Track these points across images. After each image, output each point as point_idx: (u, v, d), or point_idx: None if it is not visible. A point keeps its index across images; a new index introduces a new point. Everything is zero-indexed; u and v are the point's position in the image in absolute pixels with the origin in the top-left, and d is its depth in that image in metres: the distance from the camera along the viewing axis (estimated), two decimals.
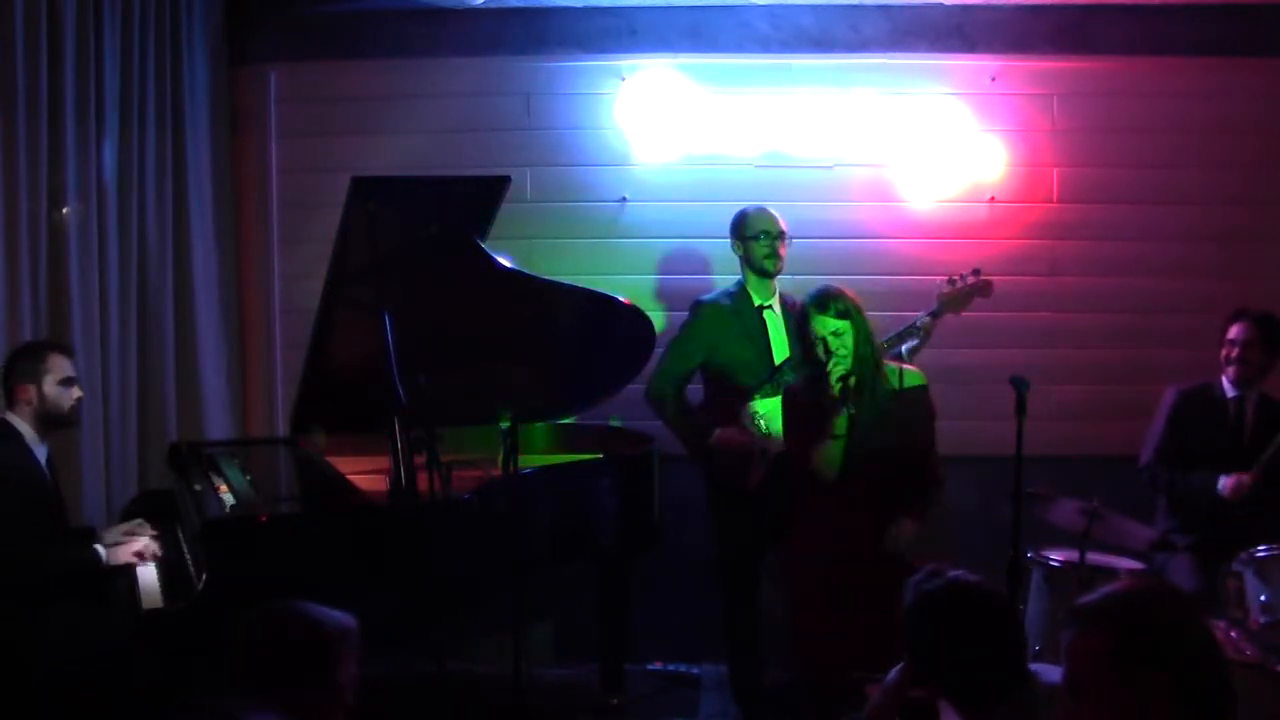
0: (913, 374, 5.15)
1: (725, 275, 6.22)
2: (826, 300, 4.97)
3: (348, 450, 5.49)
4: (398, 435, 4.75)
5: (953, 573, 3.28)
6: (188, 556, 4.88)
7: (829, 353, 4.93)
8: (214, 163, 6.58)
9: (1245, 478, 5.69)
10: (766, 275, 5.92)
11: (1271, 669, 4.74)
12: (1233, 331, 5.96)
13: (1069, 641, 2.68)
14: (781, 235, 5.89)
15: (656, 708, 6.23)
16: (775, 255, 5.88)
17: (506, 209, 5.25)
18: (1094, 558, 5.41)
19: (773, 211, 5.93)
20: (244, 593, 4.14)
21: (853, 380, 4.92)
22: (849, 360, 4.94)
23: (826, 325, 4.94)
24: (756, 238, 5.87)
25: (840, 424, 4.92)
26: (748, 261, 5.92)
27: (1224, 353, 5.99)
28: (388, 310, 4.87)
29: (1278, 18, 6.80)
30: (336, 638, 3.06)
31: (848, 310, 4.97)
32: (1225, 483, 5.76)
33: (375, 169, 6.06)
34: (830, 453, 4.95)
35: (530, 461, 5.42)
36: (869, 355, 5.01)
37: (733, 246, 5.95)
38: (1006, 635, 3.19)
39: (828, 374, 4.93)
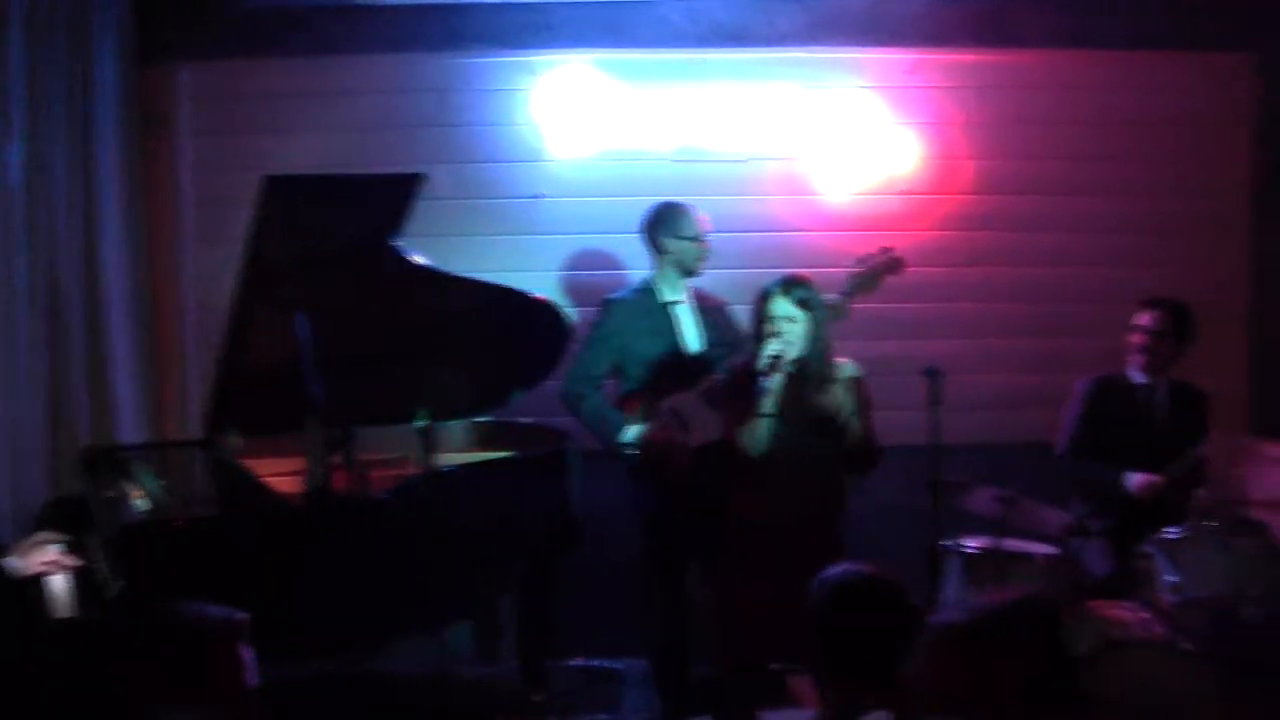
0: (846, 365, 5.24)
1: (640, 271, 6.22)
2: (791, 286, 5.09)
3: (264, 452, 5.45)
4: (314, 436, 4.72)
5: (849, 566, 3.33)
6: (101, 563, 4.83)
7: (774, 334, 5.02)
8: (124, 162, 6.51)
9: (1157, 480, 5.76)
10: (694, 275, 5.97)
11: (1180, 647, 4.85)
12: (1142, 319, 6.06)
13: (916, 661, 2.70)
14: (708, 235, 5.95)
15: (580, 704, 6.23)
16: (706, 256, 5.94)
17: (422, 206, 5.23)
18: (1010, 544, 5.50)
19: (698, 210, 5.97)
20: (159, 599, 4.10)
21: (786, 365, 4.98)
22: (792, 348, 5.03)
23: (782, 309, 5.04)
24: (695, 239, 5.91)
25: (768, 403, 4.99)
26: (677, 260, 5.93)
27: (1133, 340, 6.08)
28: (302, 310, 4.85)
29: (1190, 12, 6.92)
30: (222, 632, 3.04)
31: (808, 302, 5.07)
32: (1135, 481, 5.83)
33: (289, 167, 5.98)
34: (756, 430, 5.01)
35: (448, 460, 5.44)
36: (822, 350, 5.11)
37: (656, 242, 5.94)
38: (902, 620, 3.20)
39: (760, 352, 5.03)
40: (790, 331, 5.03)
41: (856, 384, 5.19)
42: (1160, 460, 5.89)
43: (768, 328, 5.05)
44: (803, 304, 5.06)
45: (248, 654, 3.08)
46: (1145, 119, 6.95)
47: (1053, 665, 2.60)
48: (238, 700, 3.04)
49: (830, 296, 5.76)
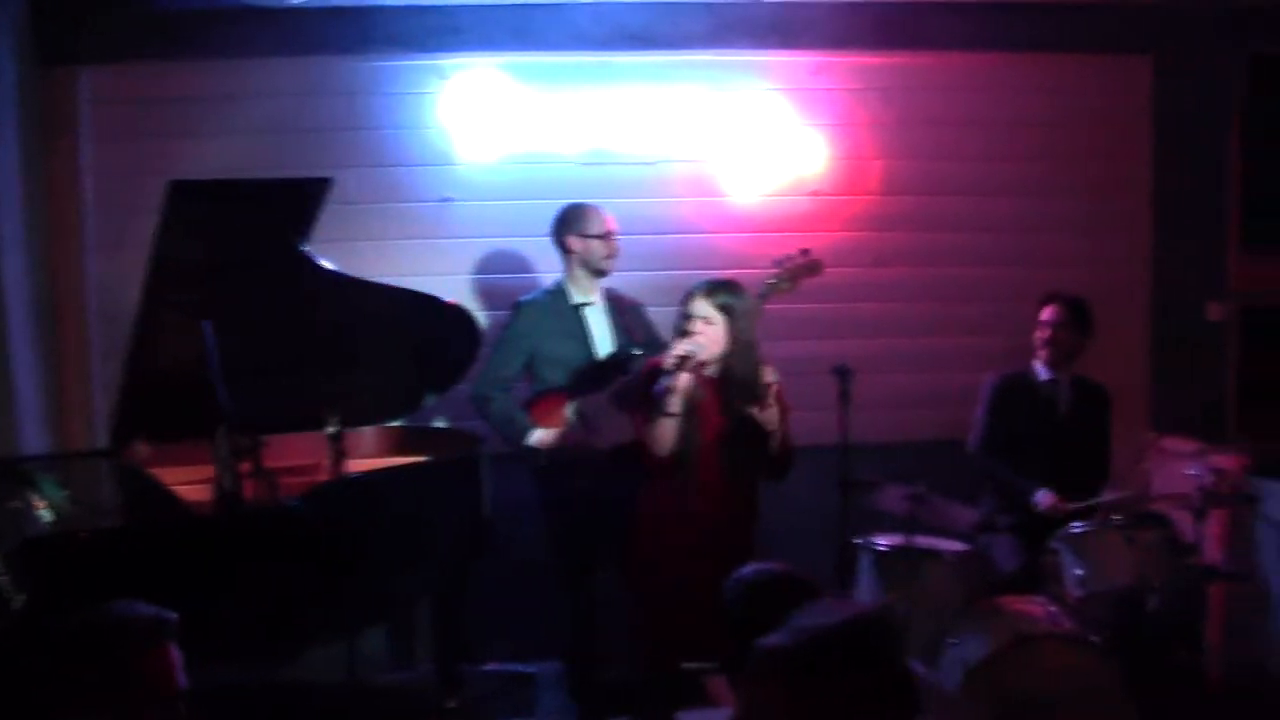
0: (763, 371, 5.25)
1: (549, 274, 6.24)
2: (715, 289, 5.09)
3: (172, 460, 5.38)
4: (221, 444, 4.67)
5: (762, 564, 3.33)
6: (3, 576, 4.75)
7: (688, 333, 5.03)
8: (23, 167, 6.38)
9: (1062, 504, 5.83)
10: (603, 274, 5.98)
11: (1088, 640, 4.91)
12: (1045, 314, 6.14)
13: (744, 680, 2.68)
14: (615, 234, 5.96)
15: (494, 708, 6.23)
16: (614, 255, 5.95)
17: (329, 210, 5.17)
18: (920, 541, 5.55)
19: (604, 210, 5.98)
20: (40, 622, 4.04)
21: (693, 362, 5.00)
22: (705, 350, 5.04)
23: (700, 309, 5.05)
24: (603, 237, 5.91)
25: (676, 404, 5.00)
26: (584, 259, 5.93)
27: (1036, 335, 6.16)
28: (209, 316, 4.80)
29: (1088, 15, 7.03)
30: (152, 632, 3.01)
31: (729, 307, 5.06)
32: (1043, 499, 5.90)
33: (194, 172, 5.93)
34: (662, 430, 5.02)
35: (359, 466, 5.41)
36: (746, 357, 5.11)
37: (563, 242, 5.95)
38: None
39: (670, 350, 5.03)
40: (706, 333, 5.04)
41: (771, 389, 5.20)
42: (1065, 453, 6.00)
43: (685, 326, 5.06)
44: (723, 308, 5.06)
45: (177, 654, 3.04)
46: (1048, 120, 7.06)
47: (883, 684, 2.58)
48: (168, 701, 3.00)
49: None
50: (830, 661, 2.53)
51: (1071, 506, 5.78)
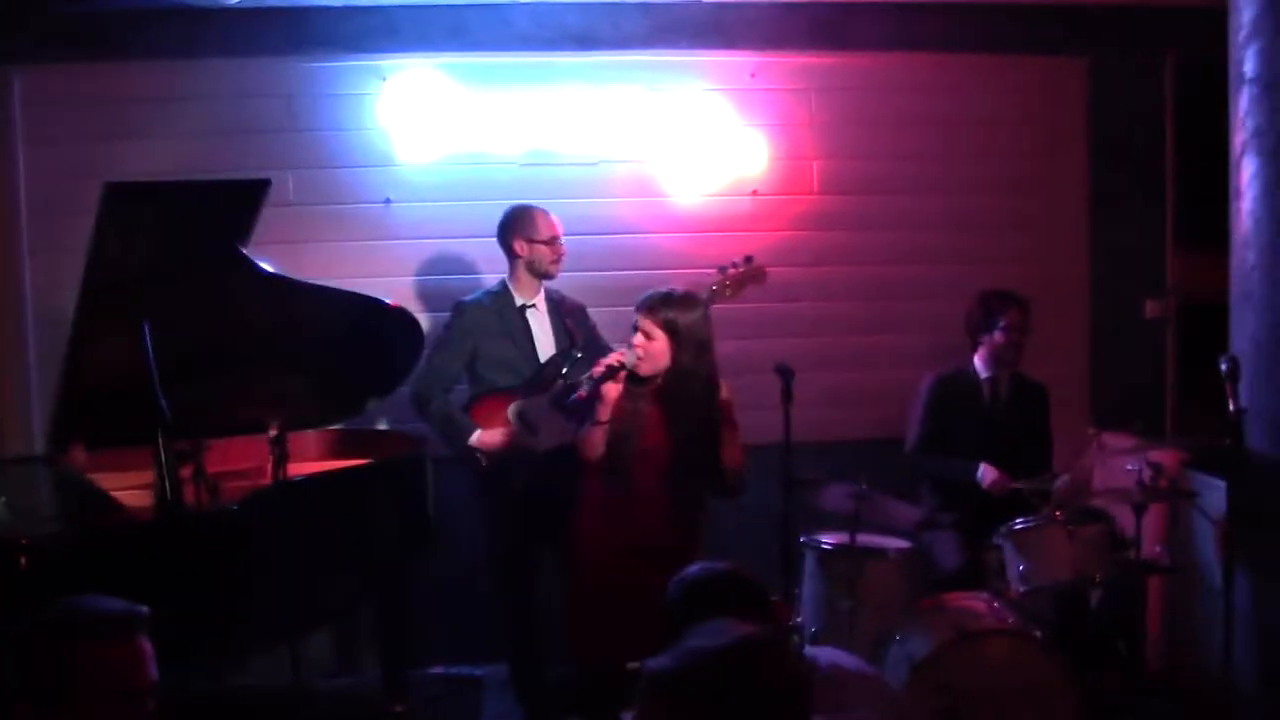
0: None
1: (491, 275, 6.23)
2: (659, 304, 5.09)
3: (111, 466, 5.31)
4: (161, 449, 4.62)
5: (707, 564, 3.34)
6: None
7: (627, 343, 5.05)
8: None
9: (1006, 480, 5.86)
10: (548, 278, 5.98)
11: (1032, 634, 4.94)
12: (1010, 318, 6.14)
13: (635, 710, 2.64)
14: (561, 238, 5.96)
15: (441, 712, 6.22)
16: (561, 259, 5.95)
17: (268, 213, 5.10)
18: (864, 539, 5.55)
19: (552, 214, 5.97)
20: (5, 621, 3.99)
21: (618, 373, 5.02)
22: (640, 363, 5.05)
23: (641, 323, 5.06)
24: (549, 242, 5.90)
25: (607, 410, 5.04)
26: (530, 263, 5.92)
27: (999, 339, 6.17)
28: (147, 320, 4.75)
29: (1027, 17, 7.07)
30: (123, 625, 2.97)
31: (673, 323, 5.04)
32: (985, 475, 5.94)
33: (131, 174, 5.89)
34: (591, 435, 5.07)
35: (301, 470, 5.37)
36: (689, 375, 5.10)
37: (511, 245, 5.93)
38: (760, 618, 3.19)
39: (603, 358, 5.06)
40: (644, 347, 5.05)
41: (723, 406, 5.22)
42: (1005, 450, 6.03)
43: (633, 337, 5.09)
44: (665, 324, 5.05)
45: (149, 648, 3.00)
46: (986, 120, 7.11)
47: (764, 710, 2.55)
48: (139, 694, 2.96)
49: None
50: (710, 686, 2.51)
51: (1015, 484, 5.83)
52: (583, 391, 5.09)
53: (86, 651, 2.92)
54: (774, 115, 6.99)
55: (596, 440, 5.08)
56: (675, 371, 5.09)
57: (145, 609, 3.02)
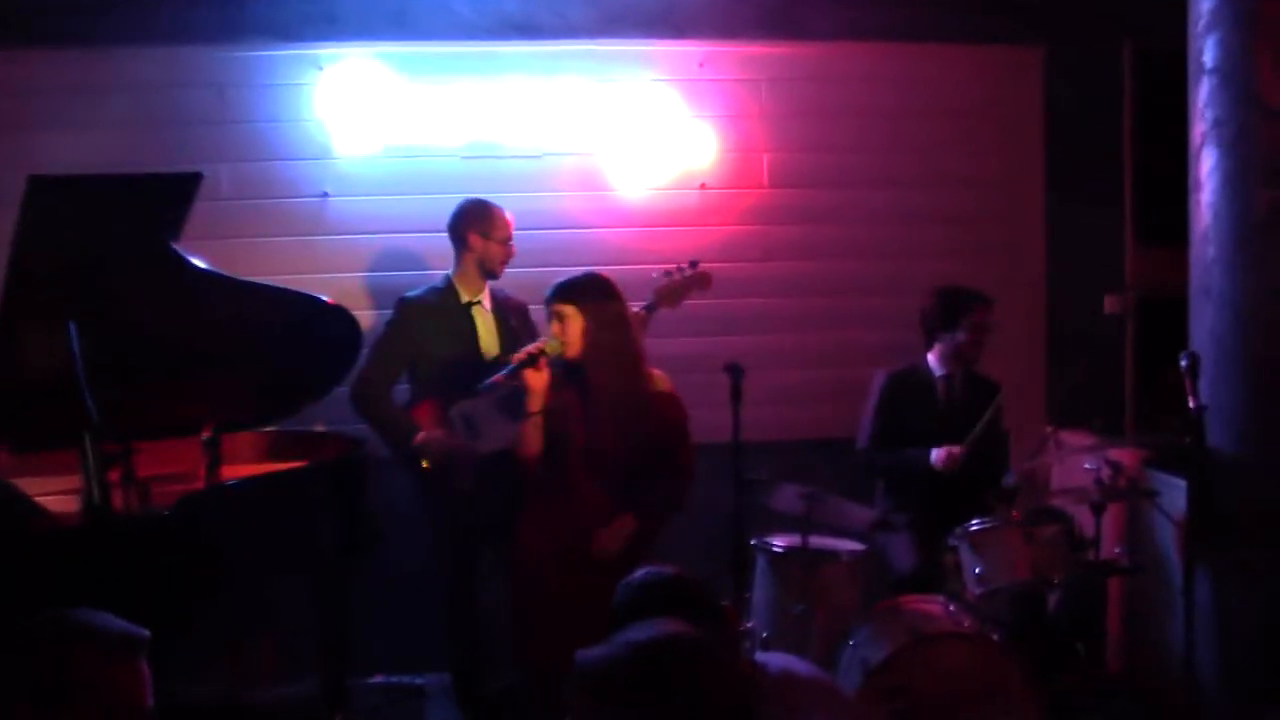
0: (658, 380, 5.26)
1: (433, 271, 6.18)
2: (567, 286, 5.11)
3: (37, 470, 5.23)
4: (89, 452, 4.55)
5: (653, 568, 3.30)
6: None
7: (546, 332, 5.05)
8: None
9: (956, 450, 5.85)
10: (494, 277, 5.97)
11: (989, 638, 4.93)
12: (974, 315, 6.11)
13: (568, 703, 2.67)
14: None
15: None
16: (510, 259, 5.96)
17: (201, 208, 5.05)
18: (816, 541, 5.51)
19: (510, 215, 5.96)
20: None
21: (538, 359, 5.03)
22: (558, 346, 5.04)
23: (553, 305, 5.08)
24: (504, 242, 5.90)
25: (538, 400, 5.04)
26: (481, 259, 5.90)
27: (963, 337, 6.12)
28: (73, 318, 4.68)
29: (981, 7, 7.09)
30: (124, 647, 2.90)
31: (581, 303, 5.06)
32: (936, 455, 5.91)
33: (56, 167, 5.72)
34: (526, 430, 5.08)
35: (236, 472, 5.32)
36: (606, 348, 5.09)
37: (466, 237, 5.91)
38: (711, 623, 3.16)
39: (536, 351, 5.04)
40: (558, 331, 5.05)
41: (665, 400, 5.21)
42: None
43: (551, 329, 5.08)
44: (575, 304, 5.06)
45: (148, 672, 2.93)
46: (940, 111, 7.09)
47: (707, 707, 2.55)
48: (135, 716, 2.89)
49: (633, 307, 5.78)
50: (640, 678, 2.56)
51: (967, 442, 5.83)
52: (499, 376, 5.05)
53: (87, 663, 2.83)
54: (724, 107, 6.96)
55: (530, 434, 5.07)
56: (596, 349, 5.06)
57: (146, 632, 2.95)
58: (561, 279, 5.15)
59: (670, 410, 5.20)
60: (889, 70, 7.05)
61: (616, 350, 5.11)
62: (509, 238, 5.91)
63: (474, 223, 5.89)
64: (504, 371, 5.08)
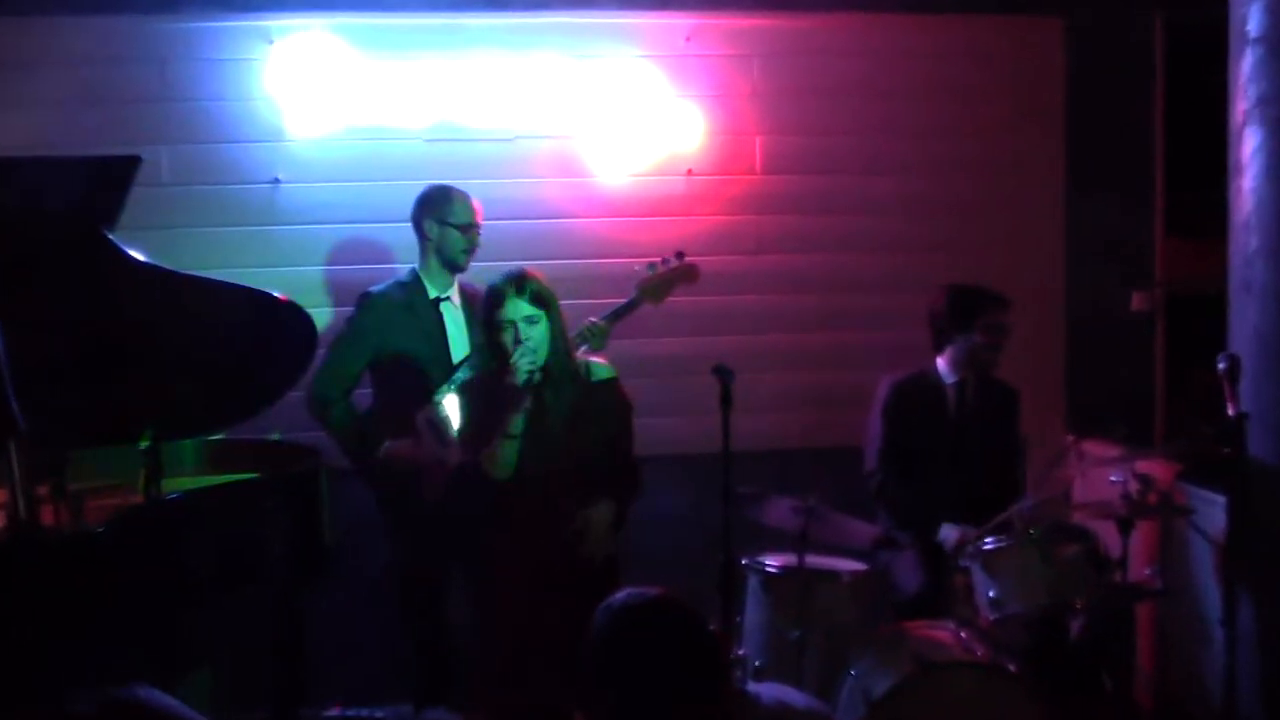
0: (600, 367, 5.24)
1: (396, 264, 6.20)
2: (523, 283, 4.97)
3: None
4: (13, 461, 4.52)
5: (635, 590, 3.29)
6: None
7: (518, 341, 4.92)
8: None
9: (970, 533, 5.76)
10: (457, 269, 5.94)
11: (1004, 668, 4.90)
12: (991, 316, 6.08)
13: None
14: (479, 228, 5.91)
15: None
16: (473, 250, 5.91)
17: (139, 194, 5.03)
18: (814, 560, 5.49)
19: (474, 199, 5.94)
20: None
21: (537, 375, 4.95)
22: (540, 352, 4.96)
23: (520, 310, 4.94)
24: (463, 229, 5.88)
25: (517, 423, 4.95)
26: (440, 250, 5.89)
27: (979, 340, 6.08)
28: None
29: None
30: None
31: (544, 296, 4.98)
32: (949, 536, 5.85)
33: None
34: (504, 454, 4.97)
35: (177, 485, 5.29)
36: (564, 350, 5.06)
37: (424, 227, 5.91)
38: (698, 648, 3.19)
39: (513, 365, 4.91)
40: (533, 336, 4.96)
41: (613, 388, 5.18)
42: (972, 465, 6.03)
43: (505, 335, 4.96)
44: (538, 301, 4.97)
45: None
46: (949, 89, 7.08)
47: None
48: None
49: (593, 321, 5.76)
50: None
51: (983, 531, 5.70)
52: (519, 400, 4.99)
53: None
54: (712, 85, 6.94)
55: (509, 458, 5.00)
56: (554, 355, 5.03)
57: None
58: (511, 277, 5.01)
59: (620, 397, 5.19)
60: (892, 44, 7.05)
61: (570, 351, 5.12)
62: (471, 224, 5.89)
63: (430, 208, 5.89)
64: (521, 400, 4.97)
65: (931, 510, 5.95)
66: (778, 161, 7.01)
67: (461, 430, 5.30)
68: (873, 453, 6.18)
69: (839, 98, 7.03)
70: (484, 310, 5.08)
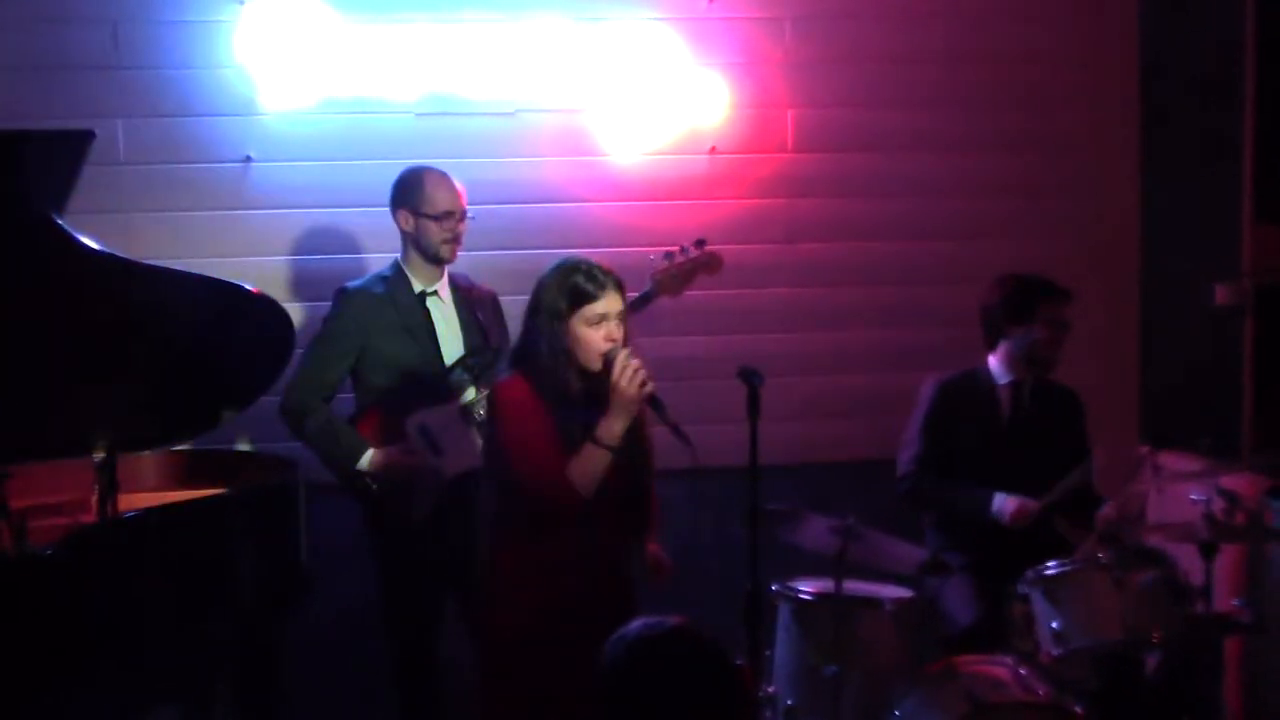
0: None
1: (380, 254, 6.21)
2: (608, 271, 4.89)
3: None
4: None
5: (652, 620, 3.28)
6: None
7: (613, 339, 4.82)
8: None
9: (1031, 504, 5.78)
10: (440, 263, 5.93)
11: (1069, 710, 4.87)
12: (1051, 310, 6.05)
13: None
14: (464, 214, 5.89)
15: None
16: (457, 240, 5.90)
17: (92, 173, 5.01)
18: (853, 586, 5.43)
19: (454, 181, 5.89)
20: None
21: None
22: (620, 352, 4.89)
23: (616, 305, 4.86)
24: (439, 218, 5.84)
25: (617, 432, 4.84)
26: (417, 241, 5.88)
27: (1039, 335, 6.06)
28: None
29: None
30: None
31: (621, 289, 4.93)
32: (1005, 505, 5.86)
33: None
34: (595, 467, 4.83)
35: (136, 502, 5.29)
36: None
37: (397, 217, 5.90)
38: (721, 684, 3.19)
39: (622, 367, 4.78)
40: (621, 336, 4.90)
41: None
42: (1027, 477, 5.96)
43: (600, 332, 4.88)
44: (620, 288, 4.92)
45: None
46: (1008, 57, 7.09)
47: None
48: None
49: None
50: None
51: (1046, 501, 5.75)
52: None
53: None
54: (738, 51, 6.95)
55: (600, 470, 4.88)
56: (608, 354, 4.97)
57: None
58: (598, 267, 4.88)
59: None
60: (944, 6, 7.06)
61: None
62: (451, 213, 5.86)
63: (403, 198, 5.89)
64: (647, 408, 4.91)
65: (980, 494, 5.93)
66: (813, 138, 7.02)
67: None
68: (907, 458, 6.17)
69: (882, 65, 7.04)
70: (563, 301, 4.86)
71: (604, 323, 4.80)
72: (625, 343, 4.84)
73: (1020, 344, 6.08)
